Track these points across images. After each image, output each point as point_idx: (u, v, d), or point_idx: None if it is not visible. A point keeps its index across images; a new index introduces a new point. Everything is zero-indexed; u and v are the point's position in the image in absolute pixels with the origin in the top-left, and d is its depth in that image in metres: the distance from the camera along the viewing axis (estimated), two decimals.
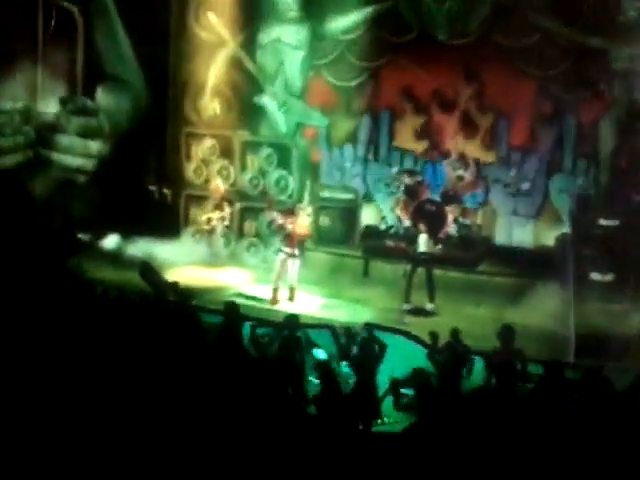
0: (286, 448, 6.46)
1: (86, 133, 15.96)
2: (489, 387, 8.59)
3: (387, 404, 8.82)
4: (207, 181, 16.09)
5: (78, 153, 15.89)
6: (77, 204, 15.25)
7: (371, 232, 15.72)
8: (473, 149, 15.99)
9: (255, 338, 10.03)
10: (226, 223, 15.29)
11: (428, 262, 13.33)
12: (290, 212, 13.76)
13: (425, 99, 16.24)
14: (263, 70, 16.19)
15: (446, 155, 16.01)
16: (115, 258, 14.36)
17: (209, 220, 15.16)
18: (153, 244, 14.34)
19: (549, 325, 12.02)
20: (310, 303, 13.39)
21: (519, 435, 6.58)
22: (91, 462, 6.41)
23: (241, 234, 15.85)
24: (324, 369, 7.79)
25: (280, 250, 13.54)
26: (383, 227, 15.68)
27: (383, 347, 9.69)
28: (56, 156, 15.85)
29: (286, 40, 15.89)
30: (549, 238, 15.13)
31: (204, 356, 8.36)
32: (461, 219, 15.11)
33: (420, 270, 13.28)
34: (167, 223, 15.84)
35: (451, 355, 9.53)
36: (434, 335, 10.28)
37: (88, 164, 15.90)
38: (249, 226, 15.94)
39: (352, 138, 16.74)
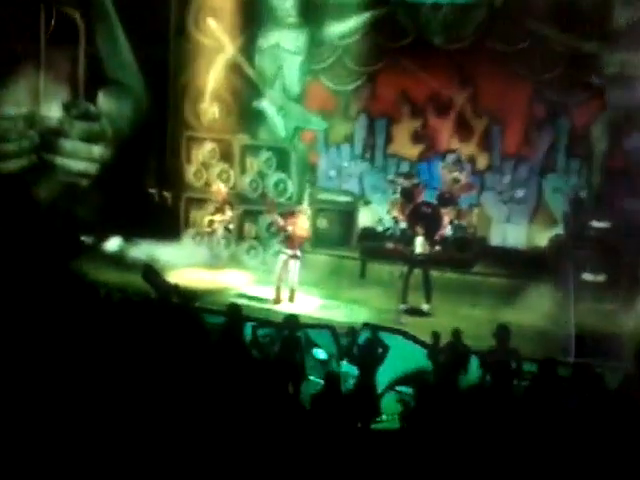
0: (286, 447, 6.49)
1: (89, 138, 15.97)
2: (484, 385, 8.79)
3: (386, 401, 8.99)
4: (207, 184, 16.08)
5: (81, 157, 15.89)
6: (80, 207, 15.22)
7: (368, 234, 15.72)
8: (468, 152, 16.14)
9: (256, 338, 10.15)
10: (230, 226, 15.24)
11: (424, 263, 13.38)
12: (291, 214, 13.80)
13: (421, 103, 16.38)
14: (262, 75, 16.34)
15: (442, 157, 16.08)
16: (118, 260, 14.35)
17: (211, 223, 15.07)
18: (155, 246, 14.34)
19: (543, 325, 12.14)
20: (309, 304, 13.44)
21: (514, 431, 6.68)
22: (95, 462, 6.43)
23: (241, 236, 15.88)
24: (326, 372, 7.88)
25: (282, 251, 13.59)
26: (380, 229, 15.63)
27: (385, 348, 9.77)
28: (60, 160, 15.83)
29: (285, 45, 16.07)
30: (543, 240, 15.25)
31: (207, 356, 8.39)
32: (457, 221, 15.12)
33: (417, 271, 13.33)
34: (168, 226, 15.89)
35: (452, 355, 9.64)
36: (436, 335, 10.33)
37: (91, 168, 15.92)
38: (249, 228, 16.03)
39: (349, 141, 16.88)
